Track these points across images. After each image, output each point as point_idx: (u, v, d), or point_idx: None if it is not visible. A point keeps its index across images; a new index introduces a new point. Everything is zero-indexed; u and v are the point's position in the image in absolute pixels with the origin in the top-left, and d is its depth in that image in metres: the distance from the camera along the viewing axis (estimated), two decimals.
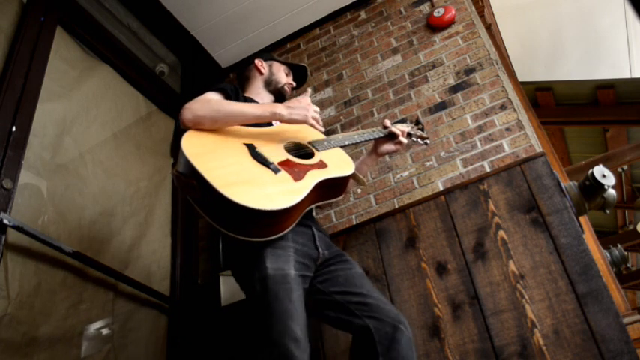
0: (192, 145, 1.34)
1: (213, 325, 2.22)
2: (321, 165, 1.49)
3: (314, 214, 1.67)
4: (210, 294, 2.29)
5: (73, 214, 1.92)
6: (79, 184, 2.00)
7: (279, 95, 1.84)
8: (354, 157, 2.36)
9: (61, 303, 1.75)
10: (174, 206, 2.52)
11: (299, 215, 1.38)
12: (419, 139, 1.91)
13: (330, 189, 1.50)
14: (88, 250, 1.89)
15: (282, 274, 1.30)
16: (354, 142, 1.71)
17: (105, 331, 1.90)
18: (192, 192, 1.31)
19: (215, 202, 1.24)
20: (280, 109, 1.47)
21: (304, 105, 1.49)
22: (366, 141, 1.74)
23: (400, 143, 1.75)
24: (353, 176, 1.58)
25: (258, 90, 1.83)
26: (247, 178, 1.31)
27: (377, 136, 1.76)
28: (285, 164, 1.41)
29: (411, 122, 1.98)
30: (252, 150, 1.42)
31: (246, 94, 1.82)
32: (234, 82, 3.06)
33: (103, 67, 2.38)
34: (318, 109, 1.54)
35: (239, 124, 1.46)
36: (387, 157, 2.29)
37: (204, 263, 2.47)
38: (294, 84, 1.91)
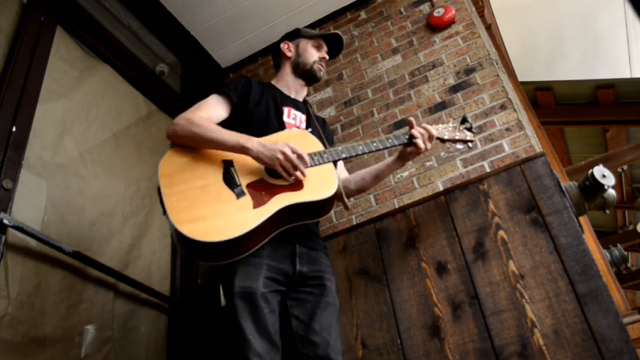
0: (169, 164, 1.41)
1: (213, 325, 2.22)
2: (296, 187, 1.40)
3: (308, 225, 1.55)
4: (210, 294, 2.29)
5: (73, 214, 1.92)
6: (79, 184, 2.00)
7: (309, 77, 1.77)
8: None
9: (61, 303, 1.75)
10: None
11: (262, 239, 1.35)
12: (458, 143, 1.71)
13: (305, 211, 1.41)
14: (88, 250, 1.89)
15: (248, 292, 1.32)
16: (357, 153, 1.53)
17: (105, 331, 1.90)
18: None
19: (172, 228, 1.29)
20: (251, 144, 1.40)
21: (278, 148, 1.38)
22: (374, 151, 1.56)
23: (418, 152, 1.61)
24: (336, 197, 1.45)
25: (286, 77, 1.79)
26: (202, 203, 1.32)
27: (390, 145, 1.58)
28: (254, 186, 1.39)
29: (455, 121, 1.77)
30: (226, 168, 1.41)
31: (274, 82, 1.80)
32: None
33: (103, 67, 2.38)
34: (299, 152, 1.39)
35: (217, 149, 1.45)
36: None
37: (205, 263, 2.47)
38: (327, 57, 1.82)
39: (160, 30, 2.85)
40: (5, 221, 1.55)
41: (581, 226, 1.74)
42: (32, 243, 1.68)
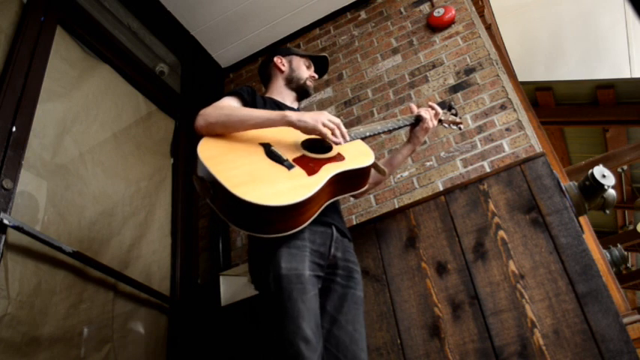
0: (207, 149, 1.39)
1: (213, 325, 2.22)
2: (338, 158, 1.48)
3: (340, 211, 1.67)
4: (210, 294, 2.29)
5: (73, 214, 1.92)
6: (79, 184, 2.00)
7: (302, 92, 1.84)
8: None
9: (61, 303, 1.75)
10: (174, 206, 2.52)
11: (317, 209, 1.38)
12: (451, 125, 1.88)
13: (349, 181, 1.49)
14: (88, 250, 1.89)
15: (296, 274, 1.31)
16: (377, 132, 1.67)
17: (105, 331, 1.90)
18: (210, 194, 1.34)
19: (229, 203, 1.27)
20: (292, 114, 1.46)
21: (317, 114, 1.47)
22: (389, 130, 1.71)
23: (427, 127, 1.73)
24: (373, 166, 1.57)
25: (279, 89, 1.82)
26: (259, 177, 1.32)
27: (402, 124, 1.73)
28: (300, 160, 1.42)
29: (443, 108, 1.94)
30: (267, 149, 1.44)
31: (267, 94, 1.83)
32: (234, 81, 3.06)
33: (103, 67, 2.38)
34: (337, 120, 1.48)
35: (251, 129, 1.48)
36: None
37: (204, 263, 2.47)
38: (317, 76, 1.90)
39: (160, 30, 2.85)
40: (5, 221, 1.55)
41: (581, 226, 1.74)
42: (32, 243, 1.68)
